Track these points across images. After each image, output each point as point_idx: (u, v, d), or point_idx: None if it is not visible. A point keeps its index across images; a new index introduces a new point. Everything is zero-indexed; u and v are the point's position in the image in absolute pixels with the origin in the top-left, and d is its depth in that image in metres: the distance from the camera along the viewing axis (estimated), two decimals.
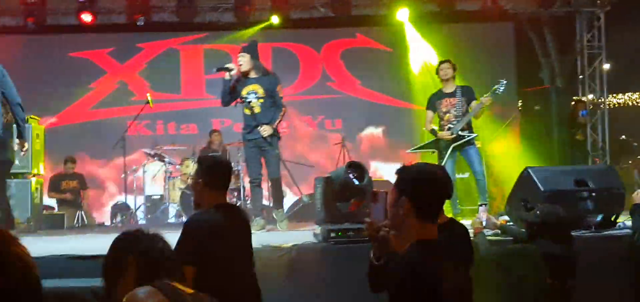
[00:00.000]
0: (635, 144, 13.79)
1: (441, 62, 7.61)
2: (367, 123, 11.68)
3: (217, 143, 10.29)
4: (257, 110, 6.91)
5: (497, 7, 10.84)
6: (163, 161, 9.78)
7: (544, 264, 4.07)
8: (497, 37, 11.76)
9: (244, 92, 6.96)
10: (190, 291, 2.22)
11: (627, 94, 19.08)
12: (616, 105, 17.17)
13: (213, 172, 3.78)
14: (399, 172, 2.66)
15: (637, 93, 19.12)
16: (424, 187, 2.59)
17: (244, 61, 6.96)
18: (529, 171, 5.99)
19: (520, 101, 11.82)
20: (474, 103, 7.37)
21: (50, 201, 10.36)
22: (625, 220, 6.01)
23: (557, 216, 4.33)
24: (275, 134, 7.00)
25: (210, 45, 11.86)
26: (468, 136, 7.32)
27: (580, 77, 11.82)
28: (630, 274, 5.25)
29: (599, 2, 11.38)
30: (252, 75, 6.99)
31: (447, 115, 7.41)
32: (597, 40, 11.55)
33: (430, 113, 7.61)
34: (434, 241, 2.61)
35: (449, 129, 7.34)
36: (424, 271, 2.42)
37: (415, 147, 8.15)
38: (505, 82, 7.39)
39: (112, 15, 11.17)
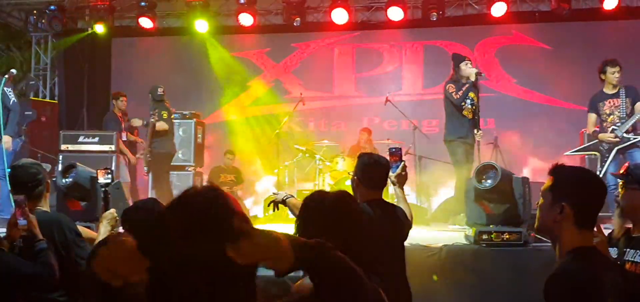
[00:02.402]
0: None
1: (609, 63, 7.08)
2: (521, 122, 11.18)
3: (364, 140, 10.39)
4: (471, 116, 7.42)
5: None
6: (314, 157, 10.01)
7: None
8: None
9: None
10: None
11: None
12: None
13: (367, 171, 3.83)
14: (555, 173, 2.50)
15: None
16: (587, 192, 2.43)
17: (473, 71, 7.42)
18: None
19: None
20: (638, 104, 6.92)
21: None
22: None
23: None
24: None
25: (363, 44, 11.98)
26: (633, 139, 6.88)
27: None
28: None
29: None
30: (466, 81, 7.46)
31: (611, 116, 7.01)
32: None
33: (593, 115, 7.22)
34: (592, 248, 2.45)
35: (613, 131, 6.91)
36: (587, 283, 2.28)
37: (576, 149, 7.70)
38: None
39: (270, 16, 11.65)
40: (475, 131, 7.33)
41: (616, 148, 6.89)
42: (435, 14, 10.62)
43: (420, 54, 11.93)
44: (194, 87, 11.86)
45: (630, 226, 3.25)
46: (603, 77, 7.10)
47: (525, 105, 11.36)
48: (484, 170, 5.44)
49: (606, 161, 6.92)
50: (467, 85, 7.36)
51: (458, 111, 7.43)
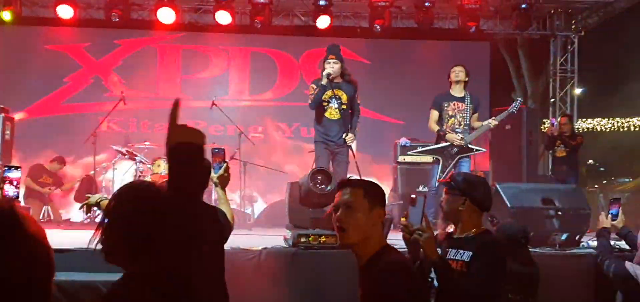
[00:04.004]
0: (602, 168, 14.02)
1: (455, 65, 7.45)
2: None
3: None
4: (337, 116, 6.82)
5: (474, 26, 10.93)
6: (134, 159, 9.66)
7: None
8: (473, 56, 11.90)
9: (325, 96, 6.81)
10: None
11: (596, 119, 19.51)
12: (585, 130, 17.52)
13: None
14: (364, 185, 2.85)
15: (606, 119, 19.56)
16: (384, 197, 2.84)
17: (336, 68, 6.84)
18: (498, 187, 6.06)
19: None
20: (475, 116, 7.31)
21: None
22: (589, 240, 6.15)
23: (515, 233, 4.37)
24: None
25: (189, 45, 11.83)
26: (477, 150, 7.25)
27: (552, 100, 12.05)
28: (591, 293, 5.37)
29: (573, 27, 11.64)
30: (337, 80, 6.88)
31: (452, 119, 7.21)
32: (570, 65, 11.80)
33: (435, 113, 7.33)
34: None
35: (458, 136, 7.11)
36: (409, 268, 2.79)
37: (423, 148, 7.68)
38: (520, 100, 7.44)
39: (91, 10, 11.09)
40: (345, 134, 6.80)
41: (459, 156, 7.09)
42: (259, 21, 10.68)
43: (247, 60, 12.04)
44: (4, 81, 10.95)
45: (453, 228, 3.58)
46: (449, 79, 7.38)
47: None
48: (319, 174, 5.57)
49: (448, 167, 7.06)
50: (319, 87, 6.80)
51: (320, 112, 6.87)
